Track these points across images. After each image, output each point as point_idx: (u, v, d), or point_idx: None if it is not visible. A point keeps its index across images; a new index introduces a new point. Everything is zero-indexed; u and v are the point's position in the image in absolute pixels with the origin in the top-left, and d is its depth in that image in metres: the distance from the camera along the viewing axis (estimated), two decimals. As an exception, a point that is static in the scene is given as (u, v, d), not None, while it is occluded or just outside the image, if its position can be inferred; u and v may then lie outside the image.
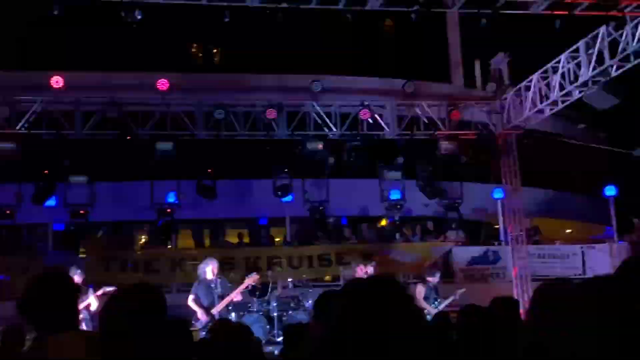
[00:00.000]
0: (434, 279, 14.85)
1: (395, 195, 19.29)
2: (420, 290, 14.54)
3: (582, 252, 20.62)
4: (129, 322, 3.10)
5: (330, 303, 3.93)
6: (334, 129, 17.65)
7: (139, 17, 12.95)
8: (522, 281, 18.36)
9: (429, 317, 13.16)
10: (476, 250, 20.17)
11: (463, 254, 19.99)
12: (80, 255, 18.23)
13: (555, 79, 16.01)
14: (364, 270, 14.15)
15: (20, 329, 7.04)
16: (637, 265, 2.70)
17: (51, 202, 17.31)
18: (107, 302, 3.19)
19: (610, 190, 21.68)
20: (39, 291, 3.89)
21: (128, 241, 22.09)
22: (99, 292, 13.25)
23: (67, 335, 3.84)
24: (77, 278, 12.82)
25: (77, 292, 4.02)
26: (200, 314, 12.98)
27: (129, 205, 19.72)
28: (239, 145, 18.16)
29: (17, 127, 16.21)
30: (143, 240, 22.00)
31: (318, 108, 17.65)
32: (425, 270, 15.57)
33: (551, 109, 16.96)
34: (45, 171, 16.88)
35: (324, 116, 17.68)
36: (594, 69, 14.67)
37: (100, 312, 3.20)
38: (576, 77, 15.30)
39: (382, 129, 17.95)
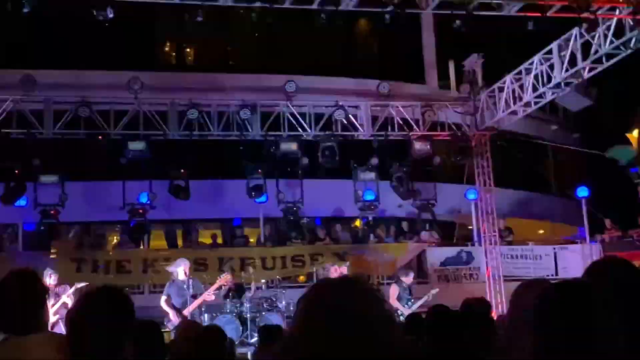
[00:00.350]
0: (407, 279, 14.86)
1: (369, 196, 19.27)
2: (394, 291, 14.56)
3: (555, 252, 20.75)
4: (96, 324, 3.04)
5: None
6: (308, 130, 17.61)
7: (111, 15, 12.80)
8: (495, 282, 18.44)
9: (402, 318, 13.21)
10: (450, 251, 20.21)
11: (436, 254, 20.02)
12: (51, 256, 18.01)
13: (529, 81, 16.10)
14: (338, 271, 14.14)
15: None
16: (604, 267, 2.70)
17: (21, 202, 17.08)
18: (73, 305, 3.12)
19: (582, 191, 21.82)
20: (4, 292, 3.81)
21: (99, 242, 21.86)
22: (72, 290, 13.12)
23: (34, 338, 3.76)
24: (51, 280, 12.70)
25: (45, 293, 3.95)
26: (172, 315, 12.89)
27: (100, 206, 19.51)
28: (212, 145, 18.05)
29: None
30: (115, 240, 21.77)
31: (292, 108, 17.60)
32: (398, 271, 15.58)
33: (524, 110, 17.06)
34: (16, 171, 16.64)
35: (298, 116, 17.63)
36: (566, 70, 14.76)
37: (67, 315, 3.13)
38: (549, 79, 15.39)
39: (356, 129, 17.94)
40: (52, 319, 12.17)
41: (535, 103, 16.51)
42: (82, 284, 13.52)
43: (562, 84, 15.12)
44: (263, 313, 15.39)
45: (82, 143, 16.95)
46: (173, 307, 12.98)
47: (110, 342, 3.07)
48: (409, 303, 14.52)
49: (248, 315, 15.23)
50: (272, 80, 18.61)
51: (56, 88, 17.25)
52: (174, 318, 12.85)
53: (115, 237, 21.80)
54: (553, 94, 15.68)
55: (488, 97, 17.94)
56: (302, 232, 20.90)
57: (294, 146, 17.61)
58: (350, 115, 17.78)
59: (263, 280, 17.28)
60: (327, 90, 19.76)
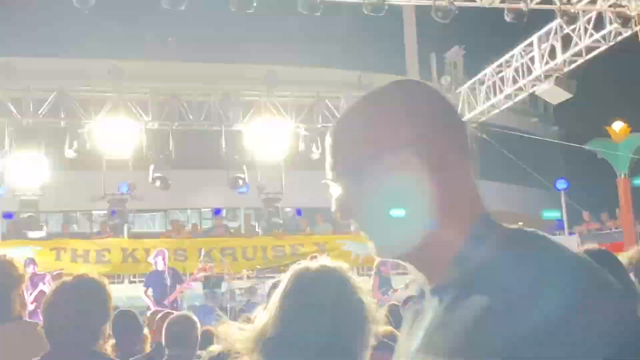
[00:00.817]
0: (385, 269, 14.93)
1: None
2: (375, 281, 14.63)
3: (533, 244, 20.85)
4: (70, 311, 3.03)
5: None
6: (290, 120, 17.58)
7: (92, 3, 12.71)
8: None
9: (382, 308, 13.28)
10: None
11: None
12: (31, 246, 17.89)
13: (509, 73, 16.18)
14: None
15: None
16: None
17: (0, 191, 16.96)
18: (49, 293, 3.11)
19: (561, 184, 21.99)
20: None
21: (80, 231, 21.78)
22: (48, 277, 13.06)
23: (8, 326, 3.75)
24: (30, 269, 12.64)
25: (19, 281, 3.92)
26: (152, 305, 12.88)
27: (80, 195, 19.42)
28: (193, 135, 18.00)
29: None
30: (95, 230, 21.67)
31: (274, 99, 17.56)
32: (379, 262, 15.60)
33: (504, 103, 17.13)
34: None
35: (280, 107, 17.60)
36: (546, 63, 14.85)
37: (43, 302, 3.12)
38: (529, 71, 15.47)
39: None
40: (30, 307, 12.12)
41: (516, 95, 16.60)
42: (58, 271, 13.49)
43: (542, 76, 15.20)
44: (243, 303, 15.39)
45: (62, 131, 16.81)
46: (152, 296, 12.98)
47: (86, 330, 3.06)
48: (389, 293, 14.59)
49: (228, 305, 15.23)
50: (254, 71, 18.57)
51: (36, 76, 17.12)
52: (153, 308, 12.84)
53: (95, 227, 21.71)
54: (533, 86, 15.76)
55: (469, 89, 18.01)
56: (283, 222, 20.91)
57: (275, 136, 17.58)
58: (331, 107, 17.77)
59: (244, 270, 17.26)
60: (308, 81, 19.76)
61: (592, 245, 2.74)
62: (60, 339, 3.02)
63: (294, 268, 2.28)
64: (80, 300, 3.06)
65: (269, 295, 4.45)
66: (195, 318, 5.22)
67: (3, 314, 3.78)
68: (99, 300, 3.14)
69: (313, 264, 2.27)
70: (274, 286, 4.32)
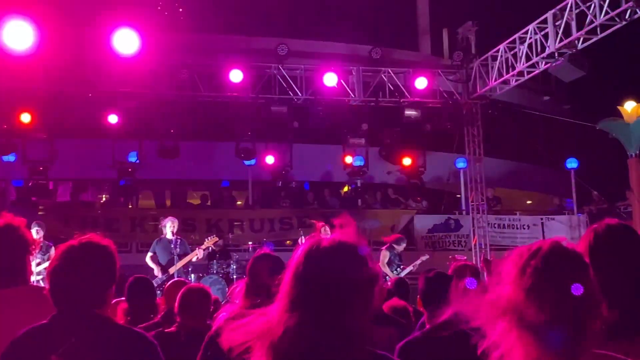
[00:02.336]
0: (399, 248, 14.98)
1: (358, 161, 19.28)
2: (385, 255, 14.69)
3: (542, 223, 20.87)
4: (77, 275, 3.02)
5: None
6: (299, 94, 17.52)
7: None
8: (482, 250, 18.54)
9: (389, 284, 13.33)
10: (437, 219, 20.30)
11: (424, 222, 20.11)
12: (40, 213, 17.97)
13: (522, 50, 16.03)
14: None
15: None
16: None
17: (10, 158, 17.00)
18: (55, 257, 3.09)
19: (571, 163, 21.91)
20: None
21: (88, 199, 21.86)
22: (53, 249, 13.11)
23: (15, 290, 3.76)
24: (37, 234, 12.68)
25: (27, 246, 3.92)
26: (156, 271, 12.96)
27: (89, 164, 19.45)
28: (202, 107, 17.94)
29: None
30: (104, 198, 21.76)
31: (283, 71, 17.49)
32: (394, 238, 15.59)
33: (517, 80, 17.00)
34: (4, 126, 16.53)
35: (289, 80, 17.53)
36: (560, 40, 14.69)
37: (49, 267, 3.11)
38: (543, 49, 15.32)
39: (347, 95, 17.87)
40: (38, 277, 12.18)
41: (528, 73, 16.44)
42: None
43: (556, 54, 15.05)
44: (249, 275, 15.44)
45: (73, 100, 16.79)
46: (158, 263, 13.03)
47: (91, 293, 3.05)
48: (398, 269, 14.64)
49: (235, 276, 15.29)
50: (264, 43, 18.49)
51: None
52: (158, 274, 12.92)
53: (104, 196, 21.79)
54: (546, 63, 15.62)
55: (481, 65, 17.88)
56: (291, 196, 20.93)
57: (284, 110, 17.54)
58: (341, 81, 17.68)
59: (250, 242, 17.32)
60: (319, 54, 19.66)
61: (614, 220, 2.67)
62: (65, 302, 3.02)
63: (305, 246, 2.28)
64: (86, 264, 3.05)
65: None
66: (209, 290, 5.29)
67: (14, 279, 3.80)
68: (105, 264, 3.13)
69: (324, 240, 2.27)
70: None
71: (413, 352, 4.29)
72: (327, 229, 14.43)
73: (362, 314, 2.17)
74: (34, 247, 4.00)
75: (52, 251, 12.94)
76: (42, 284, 12.10)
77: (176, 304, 5.14)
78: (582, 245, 2.55)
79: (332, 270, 2.18)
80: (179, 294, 5.18)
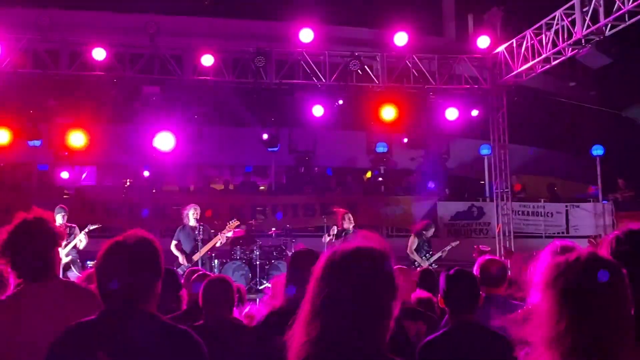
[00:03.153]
0: (428, 233, 14.95)
1: (381, 148, 19.22)
2: (413, 242, 14.67)
3: (567, 210, 20.72)
4: (125, 271, 3.04)
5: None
6: (323, 79, 17.47)
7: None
8: (505, 237, 18.44)
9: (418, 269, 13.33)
10: (461, 206, 20.22)
11: (448, 208, 20.04)
12: (65, 197, 18.14)
13: (549, 36, 15.84)
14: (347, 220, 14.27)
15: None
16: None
17: (35, 143, 17.13)
18: (102, 253, 3.10)
19: (597, 150, 21.72)
20: (16, 240, 3.83)
21: (113, 184, 22.01)
22: (84, 232, 13.25)
23: (48, 284, 3.80)
24: (62, 219, 12.81)
25: (57, 239, 3.97)
26: (181, 259, 13.03)
27: (114, 148, 19.56)
28: (226, 92, 17.95)
29: (3, 66, 15.91)
30: (127, 183, 21.89)
31: (307, 57, 17.43)
32: (423, 224, 15.56)
33: (543, 66, 16.82)
34: (30, 111, 16.65)
35: (313, 65, 17.47)
36: (588, 27, 14.50)
37: (96, 263, 3.12)
38: (570, 35, 15.13)
39: (371, 80, 17.78)
40: (65, 259, 12.32)
41: (555, 59, 16.26)
42: (95, 226, 13.67)
43: (583, 40, 14.87)
44: (272, 261, 15.51)
45: (96, 85, 16.86)
46: (182, 251, 13.10)
47: (139, 288, 3.07)
48: (427, 255, 14.62)
49: (257, 262, 15.35)
50: (288, 28, 18.42)
51: (72, 28, 17.16)
52: (183, 262, 12.99)
53: (127, 180, 21.92)
54: (573, 50, 15.43)
55: (506, 51, 17.71)
56: (313, 181, 20.94)
57: (308, 95, 17.50)
58: (365, 66, 17.61)
59: (273, 228, 17.35)
60: (344, 39, 19.57)
61: (636, 225, 2.62)
62: (113, 299, 3.03)
63: (328, 253, 2.28)
64: (133, 261, 3.06)
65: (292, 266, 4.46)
66: (231, 280, 5.29)
67: (45, 272, 3.85)
68: (151, 259, 3.13)
69: (345, 248, 2.26)
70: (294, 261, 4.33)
71: (434, 351, 4.26)
72: (350, 216, 14.48)
73: (382, 322, 2.16)
74: (62, 240, 4.05)
75: (77, 231, 13.08)
76: (72, 268, 12.27)
77: (200, 297, 5.14)
78: (604, 249, 2.52)
79: (354, 278, 2.17)
80: (201, 287, 5.17)
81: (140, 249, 3.08)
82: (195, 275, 6.62)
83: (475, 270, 5.47)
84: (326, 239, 14.23)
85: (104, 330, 2.92)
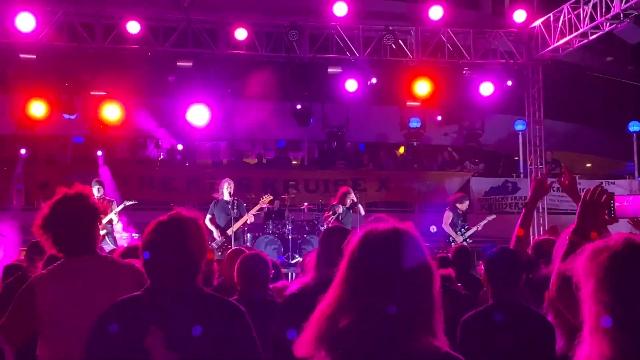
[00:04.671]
0: (462, 206, 14.87)
1: (414, 123, 19.11)
2: (448, 216, 14.63)
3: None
4: (172, 249, 3.10)
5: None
6: (357, 53, 17.37)
7: None
8: (539, 214, 18.31)
9: (453, 244, 13.33)
10: (494, 181, 20.07)
11: (481, 184, 19.90)
12: (99, 170, 18.32)
13: (586, 10, 15.58)
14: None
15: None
16: None
17: (71, 115, 17.27)
18: (149, 232, 3.17)
19: (634, 126, 21.40)
20: (61, 213, 3.89)
21: (146, 157, 22.17)
22: (120, 207, 13.43)
23: (88, 259, 3.85)
24: (98, 192, 12.99)
25: (99, 215, 4.02)
26: (216, 233, 13.12)
27: (149, 122, 19.65)
28: (259, 66, 17.92)
29: (39, 38, 16.05)
30: (161, 156, 22.04)
31: (341, 31, 17.33)
32: (456, 198, 15.51)
33: (580, 41, 16.55)
34: (66, 84, 16.79)
35: (347, 40, 17.37)
36: (626, 1, 14.23)
37: (143, 242, 3.19)
38: (608, 9, 14.86)
39: (405, 55, 17.65)
40: (101, 232, 12.48)
41: (592, 34, 16.00)
42: (130, 202, 13.84)
43: (622, 15, 14.59)
44: (304, 235, 15.55)
45: (130, 58, 16.94)
46: (217, 226, 13.20)
47: (187, 266, 3.14)
48: (462, 230, 14.56)
49: (290, 236, 15.41)
50: (321, 2, 18.31)
51: (107, 1, 17.23)
52: (217, 237, 13.08)
53: (161, 154, 22.07)
54: (611, 25, 15.16)
55: (543, 25, 17.45)
56: (346, 156, 20.91)
57: (341, 70, 17.44)
58: (399, 41, 17.46)
59: (305, 203, 17.39)
60: (377, 13, 19.41)
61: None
62: (162, 276, 3.09)
63: (361, 232, 2.26)
64: (180, 239, 3.12)
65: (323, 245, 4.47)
66: (268, 258, 5.34)
67: (87, 247, 3.90)
68: (197, 236, 3.20)
69: (381, 227, 2.24)
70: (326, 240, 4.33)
71: (474, 328, 4.26)
72: (352, 196, 14.51)
73: (420, 305, 2.14)
74: (104, 215, 4.10)
75: (114, 205, 13.26)
76: (107, 239, 12.45)
77: (235, 273, 5.18)
78: None
79: (388, 259, 2.15)
80: (237, 263, 5.21)
81: (189, 227, 3.15)
82: (231, 250, 6.66)
83: (531, 248, 5.48)
84: (331, 217, 14.29)
85: (155, 304, 2.99)
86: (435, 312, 2.17)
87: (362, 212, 14.58)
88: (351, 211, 14.35)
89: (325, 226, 14.80)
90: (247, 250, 5.84)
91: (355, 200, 14.41)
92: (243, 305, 3.13)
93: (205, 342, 2.93)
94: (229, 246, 12.29)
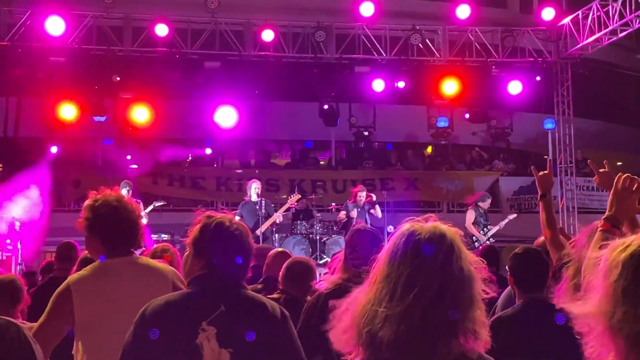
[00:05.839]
0: (484, 205, 14.82)
1: (442, 122, 19.03)
2: (470, 215, 14.56)
3: (633, 185, 20.24)
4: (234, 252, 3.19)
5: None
6: (383, 53, 17.35)
7: None
8: (569, 213, 18.16)
9: (477, 244, 13.26)
10: (524, 181, 19.92)
11: (510, 183, 19.78)
12: (131, 167, 18.50)
13: (616, 7, 15.42)
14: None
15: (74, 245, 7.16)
16: None
17: (100, 118, 17.44)
18: (211, 235, 3.22)
19: (665, 124, 21.15)
20: (107, 214, 3.95)
21: (176, 158, 22.29)
22: (149, 209, 13.55)
23: (122, 261, 3.92)
24: (127, 193, 13.09)
25: (141, 217, 4.11)
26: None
27: (178, 124, 19.79)
28: (287, 67, 17.97)
29: (68, 42, 16.24)
30: (190, 158, 22.17)
31: (368, 31, 17.33)
32: (478, 196, 15.46)
33: (609, 38, 16.40)
34: (95, 87, 16.95)
35: (374, 40, 17.36)
36: (657, -3, 14.09)
37: (201, 243, 3.23)
38: (637, 6, 14.71)
39: (432, 54, 17.60)
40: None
41: (621, 31, 15.84)
42: (160, 203, 13.96)
43: (652, 11, 14.46)
44: (332, 235, 15.56)
45: (159, 61, 17.08)
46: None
47: (243, 268, 3.24)
48: (485, 229, 14.50)
49: (318, 237, 15.43)
50: (348, 2, 18.32)
51: (135, 4, 17.39)
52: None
53: (189, 155, 22.20)
54: (641, 22, 15.02)
55: (572, 22, 17.30)
56: (373, 156, 20.89)
57: (368, 70, 17.43)
58: (427, 40, 17.42)
59: (333, 203, 17.40)
60: (404, 13, 19.35)
61: None
62: (216, 277, 3.15)
63: (403, 230, 2.26)
64: (242, 237, 3.23)
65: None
66: (313, 263, 5.68)
67: (127, 249, 3.99)
68: (249, 238, 3.30)
69: (424, 227, 2.24)
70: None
71: (503, 329, 4.25)
72: (363, 194, 14.53)
73: (462, 307, 2.14)
74: (142, 217, 4.18)
75: (141, 207, 13.35)
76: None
77: (281, 274, 5.46)
78: None
79: (432, 259, 2.16)
80: (285, 264, 5.54)
81: (240, 230, 3.25)
82: (277, 251, 6.90)
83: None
84: (342, 216, 14.36)
85: (206, 301, 3.05)
86: (476, 312, 2.18)
87: (379, 215, 14.62)
88: (367, 213, 14.38)
89: (339, 226, 14.89)
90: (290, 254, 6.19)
91: (363, 199, 14.45)
92: (282, 302, 3.20)
93: (256, 340, 2.99)
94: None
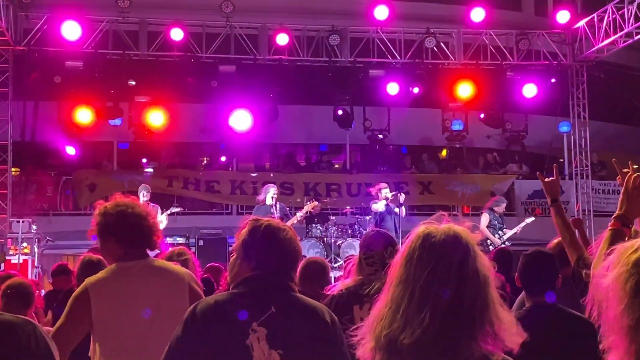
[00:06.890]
0: (499, 209, 14.76)
1: (457, 125, 18.99)
2: (485, 219, 14.50)
3: (649, 189, 20.10)
4: (280, 254, 3.21)
5: None
6: (398, 57, 17.35)
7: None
8: (585, 217, 18.08)
9: (491, 247, 13.19)
10: (538, 184, 19.75)
11: (525, 187, 19.69)
12: (145, 173, 18.57)
13: (631, 10, 15.36)
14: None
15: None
16: None
17: (116, 122, 17.55)
18: (262, 239, 3.24)
19: (682, 127, 21.01)
20: (124, 219, 3.99)
21: (191, 161, 22.37)
22: (166, 213, 13.61)
23: (139, 264, 3.95)
24: (144, 197, 13.18)
25: (157, 221, 4.14)
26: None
27: (192, 127, 19.86)
28: (301, 71, 18.01)
29: (84, 47, 16.36)
30: (205, 161, 22.23)
31: (382, 34, 17.34)
32: (493, 200, 15.41)
33: (625, 41, 16.33)
34: (112, 91, 17.06)
35: (388, 43, 17.37)
36: (673, -1, 14.02)
37: (250, 246, 3.25)
38: (654, 8, 14.66)
39: (447, 57, 17.58)
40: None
41: (637, 34, 15.77)
42: (177, 209, 14.03)
43: (668, 13, 14.40)
44: (347, 238, 15.56)
45: (174, 65, 17.18)
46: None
47: (289, 268, 3.25)
48: (500, 232, 14.44)
49: (332, 240, 15.43)
50: (362, 6, 18.34)
51: (150, 9, 17.49)
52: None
53: (205, 158, 22.27)
54: (657, 24, 14.96)
55: (587, 25, 17.25)
56: (388, 160, 20.85)
57: (382, 73, 17.43)
58: (441, 43, 17.41)
59: (348, 207, 17.39)
60: (419, 16, 19.34)
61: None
62: (266, 277, 3.16)
63: (419, 232, 2.27)
64: (291, 239, 3.26)
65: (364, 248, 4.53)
66: (328, 264, 5.73)
67: (143, 252, 4.04)
68: (295, 242, 3.31)
69: (439, 229, 2.25)
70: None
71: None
72: (387, 191, 14.51)
73: (480, 309, 2.15)
74: (156, 220, 4.22)
75: (158, 211, 13.43)
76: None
77: (297, 274, 5.40)
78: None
79: (449, 261, 2.17)
80: (301, 265, 5.59)
81: (289, 232, 3.27)
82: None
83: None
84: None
85: (256, 303, 3.04)
86: (494, 313, 2.18)
87: (403, 214, 14.58)
88: (391, 214, 14.36)
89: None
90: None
91: (390, 197, 14.44)
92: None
93: (305, 343, 3.01)
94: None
